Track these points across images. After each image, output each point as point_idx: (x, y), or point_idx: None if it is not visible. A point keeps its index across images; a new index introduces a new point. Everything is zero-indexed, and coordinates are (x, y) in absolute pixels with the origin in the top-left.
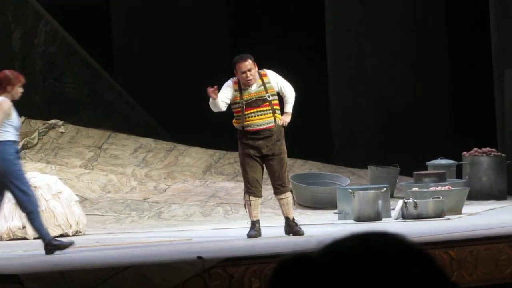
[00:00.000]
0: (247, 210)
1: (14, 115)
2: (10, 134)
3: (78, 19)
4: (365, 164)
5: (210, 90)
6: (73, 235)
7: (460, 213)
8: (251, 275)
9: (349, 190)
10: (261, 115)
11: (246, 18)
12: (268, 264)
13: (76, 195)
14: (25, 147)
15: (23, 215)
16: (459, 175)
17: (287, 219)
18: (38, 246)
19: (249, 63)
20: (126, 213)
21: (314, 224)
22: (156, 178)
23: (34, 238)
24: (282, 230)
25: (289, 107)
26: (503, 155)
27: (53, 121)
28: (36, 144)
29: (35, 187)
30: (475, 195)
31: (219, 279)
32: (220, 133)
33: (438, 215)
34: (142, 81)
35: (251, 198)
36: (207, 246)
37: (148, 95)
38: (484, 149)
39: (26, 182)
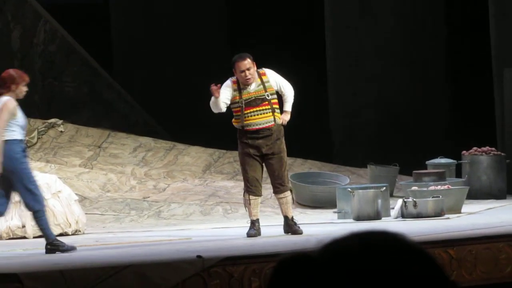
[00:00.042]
0: (246, 209)
1: (19, 114)
2: (16, 133)
3: (77, 18)
4: (365, 163)
5: (213, 88)
6: (72, 234)
7: (460, 212)
8: (250, 274)
9: (349, 189)
10: (261, 114)
11: (246, 18)
12: (268, 263)
13: (76, 194)
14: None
15: (23, 214)
16: (458, 174)
17: (286, 218)
18: (37, 245)
19: (248, 62)
20: (125, 212)
21: (313, 223)
22: (156, 177)
23: (34, 237)
24: (281, 229)
25: (288, 106)
26: (502, 154)
27: (52, 120)
28: (35, 143)
29: None
30: (475, 194)
31: (218, 278)
32: (220, 133)
33: (438, 214)
34: (141, 80)
35: (251, 197)
36: (206, 245)
37: (148, 95)
38: (484, 148)
39: (33, 180)
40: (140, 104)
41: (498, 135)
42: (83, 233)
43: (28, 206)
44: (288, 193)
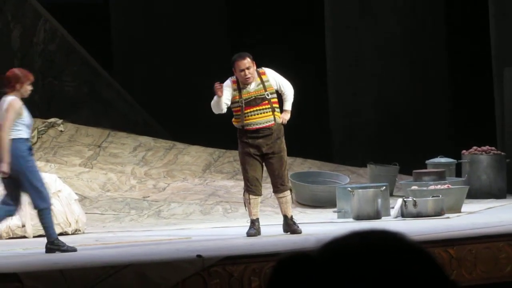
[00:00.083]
0: (246, 208)
1: (25, 113)
2: (22, 132)
3: (77, 18)
4: (365, 163)
5: (217, 86)
6: (72, 234)
7: (460, 212)
8: (250, 274)
9: (349, 188)
10: (261, 113)
11: (246, 18)
12: (268, 262)
13: (76, 193)
14: None
15: (23, 213)
16: (458, 173)
17: (285, 217)
18: (37, 245)
19: (247, 61)
20: (125, 211)
21: (313, 223)
22: (156, 177)
23: (34, 237)
24: (281, 229)
25: (288, 105)
26: (502, 153)
27: (52, 119)
28: (35, 143)
29: None
30: (475, 194)
31: (218, 277)
32: (220, 132)
33: (438, 213)
34: (141, 80)
35: (251, 196)
36: (206, 244)
37: (148, 94)
38: (484, 148)
39: (39, 178)
40: (140, 103)
41: (498, 134)
42: (83, 233)
43: (35, 204)
44: (288, 193)
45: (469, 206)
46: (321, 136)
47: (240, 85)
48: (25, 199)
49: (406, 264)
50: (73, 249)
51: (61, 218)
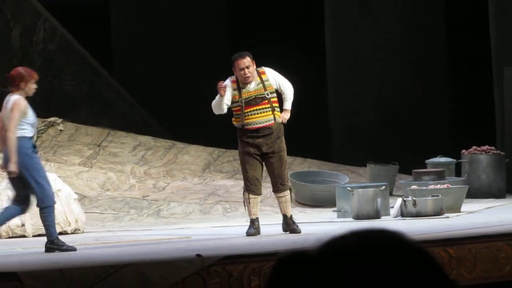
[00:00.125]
0: (246, 208)
1: (30, 112)
2: (26, 131)
3: (77, 17)
4: (365, 163)
5: (221, 85)
6: (72, 233)
7: (459, 211)
8: (250, 273)
9: (348, 188)
10: (261, 113)
11: (246, 18)
12: (267, 262)
13: (75, 193)
14: None
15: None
16: (458, 173)
17: (285, 216)
18: (37, 244)
19: (247, 60)
20: (125, 211)
21: (313, 222)
22: (155, 176)
23: (33, 236)
24: (281, 228)
25: (288, 104)
26: (502, 153)
27: (52, 119)
28: (35, 142)
29: None
30: (474, 193)
31: (218, 277)
32: (219, 131)
33: (437, 213)
34: (141, 79)
35: (251, 196)
36: (206, 244)
37: (147, 94)
38: (483, 147)
39: (44, 176)
40: (139, 103)
41: (498, 134)
42: (83, 232)
43: (38, 201)
44: (287, 192)
45: (468, 205)
46: (321, 136)
47: (240, 85)
48: (33, 198)
49: (405, 264)
50: (73, 249)
51: (61, 218)
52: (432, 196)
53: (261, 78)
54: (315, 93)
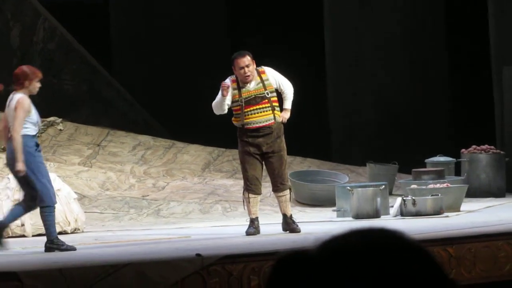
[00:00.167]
0: (245, 207)
1: (33, 111)
2: (29, 130)
3: (77, 16)
4: (364, 162)
5: (225, 85)
6: (71, 233)
7: (459, 211)
8: (249, 273)
9: (348, 187)
10: (261, 112)
11: (246, 18)
12: (267, 261)
13: (75, 192)
14: None
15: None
16: (457, 172)
17: (284, 216)
18: (36, 244)
19: (247, 59)
20: (124, 210)
21: (312, 222)
22: (155, 176)
23: (33, 236)
24: (280, 228)
25: (288, 104)
26: (501, 152)
27: (51, 118)
28: None
29: None
30: (474, 193)
31: (217, 276)
32: (219, 131)
33: (437, 212)
34: (140, 79)
35: (250, 195)
36: (205, 243)
37: (147, 93)
38: (483, 147)
39: (46, 175)
40: (139, 102)
41: (498, 133)
42: (82, 232)
43: (40, 200)
44: (287, 192)
45: (468, 205)
46: (321, 136)
47: (239, 84)
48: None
49: (405, 263)
50: (72, 248)
51: (60, 217)
52: (431, 196)
53: (261, 78)
54: (315, 93)
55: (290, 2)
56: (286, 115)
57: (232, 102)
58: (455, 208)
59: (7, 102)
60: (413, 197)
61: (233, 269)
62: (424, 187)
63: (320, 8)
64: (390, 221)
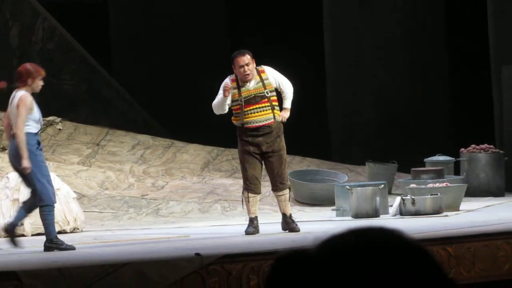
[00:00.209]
0: (244, 207)
1: (35, 109)
2: (31, 127)
3: (76, 16)
4: (364, 162)
5: (228, 87)
6: (71, 232)
7: (458, 210)
8: (249, 272)
9: (347, 186)
10: (260, 111)
11: (246, 18)
12: (266, 260)
13: (74, 192)
14: None
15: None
16: (457, 171)
17: (284, 215)
18: (36, 243)
19: (247, 58)
20: (124, 210)
21: (312, 221)
22: (154, 175)
23: (32, 235)
24: (280, 227)
25: (287, 103)
26: (501, 151)
27: (51, 118)
28: None
29: None
30: (473, 192)
31: (217, 275)
32: (218, 130)
33: (436, 211)
34: (140, 78)
35: (250, 195)
36: (205, 243)
37: (146, 93)
38: (482, 146)
39: (46, 174)
40: (138, 102)
41: (497, 132)
42: (82, 231)
43: (39, 199)
44: (286, 191)
45: (467, 204)
46: (320, 136)
47: (239, 83)
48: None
49: (404, 262)
50: (72, 248)
51: (60, 217)
52: (431, 195)
53: (260, 77)
54: (314, 93)
55: (290, 2)
56: (286, 114)
57: (232, 101)
58: (454, 207)
59: (10, 100)
60: (412, 197)
61: (232, 268)
62: (423, 186)
63: (320, 8)
64: (389, 221)
